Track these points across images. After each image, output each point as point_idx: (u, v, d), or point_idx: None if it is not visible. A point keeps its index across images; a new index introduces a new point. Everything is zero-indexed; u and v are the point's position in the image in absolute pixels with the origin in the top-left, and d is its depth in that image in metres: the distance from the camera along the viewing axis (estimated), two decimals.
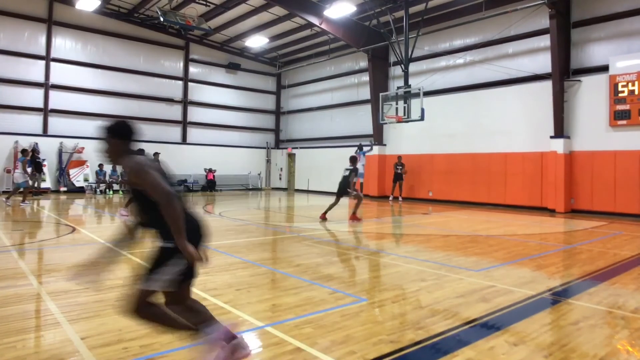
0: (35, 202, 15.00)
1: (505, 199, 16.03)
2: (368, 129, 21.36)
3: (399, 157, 18.88)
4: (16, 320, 3.75)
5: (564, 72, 14.54)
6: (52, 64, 19.65)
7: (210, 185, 23.47)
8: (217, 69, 25.01)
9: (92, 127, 20.67)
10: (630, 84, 13.15)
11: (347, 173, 11.60)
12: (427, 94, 16.92)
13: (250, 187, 25.89)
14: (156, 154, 19.10)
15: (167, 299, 2.79)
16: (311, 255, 6.84)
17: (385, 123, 16.25)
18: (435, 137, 18.40)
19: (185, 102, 23.72)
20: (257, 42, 22.62)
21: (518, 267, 6.23)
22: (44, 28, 19.49)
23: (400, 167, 18.51)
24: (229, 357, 2.71)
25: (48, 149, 19.01)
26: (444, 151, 17.95)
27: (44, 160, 18.15)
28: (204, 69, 24.57)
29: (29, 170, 18.18)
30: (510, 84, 16.24)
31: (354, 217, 11.28)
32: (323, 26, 18.40)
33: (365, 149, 19.49)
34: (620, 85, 13.34)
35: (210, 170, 23.63)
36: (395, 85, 19.26)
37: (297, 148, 25.90)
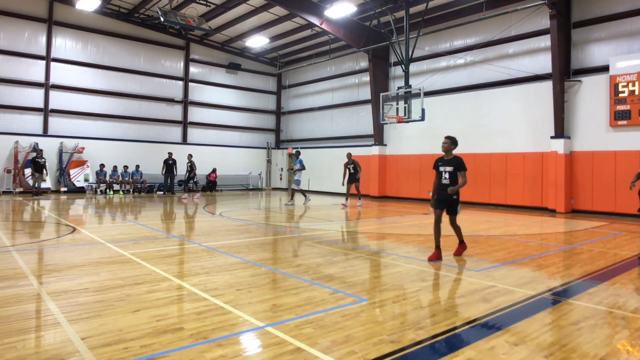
0: (35, 202, 15.01)
1: (505, 199, 16.03)
2: (368, 129, 21.38)
3: (349, 154, 16.24)
4: (16, 320, 3.75)
5: (565, 73, 14.55)
6: (53, 64, 19.67)
7: (210, 185, 23.49)
8: (218, 69, 25.03)
9: (93, 127, 20.76)
10: (630, 84, 13.16)
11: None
12: (428, 94, 16.95)
13: (251, 187, 25.90)
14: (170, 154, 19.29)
15: None
16: (311, 255, 6.84)
17: (386, 123, 16.25)
18: (435, 137, 18.31)
19: (186, 102, 23.74)
20: (257, 42, 22.63)
21: (518, 267, 6.23)
22: (44, 28, 19.51)
23: (352, 166, 15.85)
24: None
25: (48, 149, 19.02)
26: None
27: (44, 161, 18.13)
28: (204, 69, 24.58)
29: (29, 170, 18.25)
30: (510, 84, 16.25)
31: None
32: (323, 26, 18.41)
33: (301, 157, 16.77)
34: (620, 85, 13.35)
35: (213, 171, 23.64)
36: (395, 85, 19.28)
37: (297, 148, 25.88)
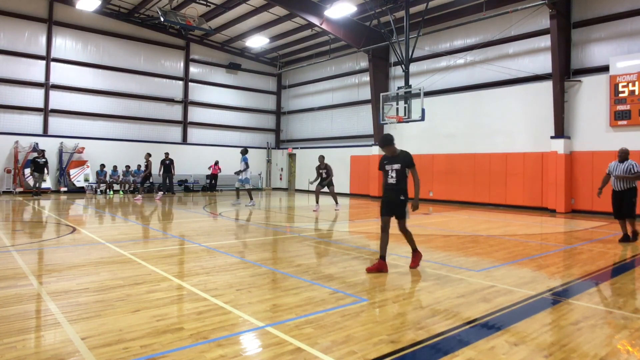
0: (36, 202, 15.01)
1: (505, 199, 16.04)
2: (368, 129, 21.38)
3: (321, 157, 14.77)
4: (17, 320, 3.75)
5: (565, 73, 14.55)
6: (53, 64, 19.68)
7: (211, 185, 23.42)
8: (218, 69, 25.03)
9: (93, 127, 20.75)
10: (630, 84, 13.16)
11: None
12: (428, 94, 16.96)
13: (251, 187, 25.86)
14: (166, 154, 18.61)
15: None
16: (312, 255, 6.84)
17: (386, 123, 16.26)
18: (435, 137, 18.40)
19: (186, 102, 23.74)
20: (257, 42, 22.65)
21: (518, 267, 6.23)
22: (44, 28, 19.51)
23: (325, 170, 14.47)
24: None
25: (48, 149, 19.02)
26: (445, 151, 17.96)
27: (45, 161, 18.12)
28: (204, 69, 24.58)
29: (29, 170, 18.26)
30: (510, 84, 16.25)
31: None
32: (323, 26, 18.42)
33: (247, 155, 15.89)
34: (620, 85, 13.35)
35: (215, 164, 23.17)
36: (395, 85, 19.28)
37: (297, 148, 25.90)
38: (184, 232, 9.37)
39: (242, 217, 11.93)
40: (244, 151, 15.71)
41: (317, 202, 14.60)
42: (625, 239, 8.50)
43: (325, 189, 14.59)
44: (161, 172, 19.83)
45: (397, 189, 5.76)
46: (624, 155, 8.26)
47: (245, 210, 13.82)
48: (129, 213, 13.01)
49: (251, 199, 15.76)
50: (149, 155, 17.82)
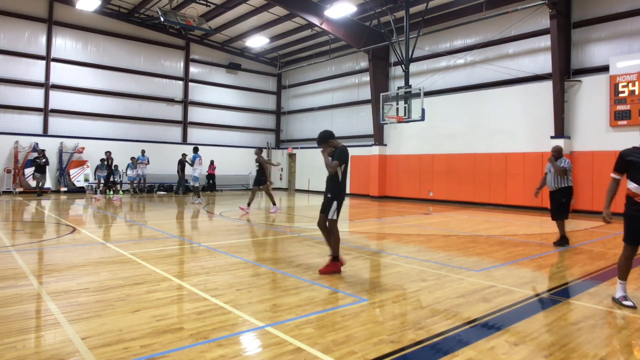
0: (35, 202, 15.00)
1: (505, 199, 16.04)
2: (368, 129, 21.38)
3: (260, 150, 13.58)
4: (17, 320, 3.75)
5: (565, 72, 14.55)
6: (53, 64, 19.67)
7: (210, 185, 23.40)
8: (218, 69, 25.03)
9: (93, 127, 20.74)
10: (630, 84, 13.16)
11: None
12: (428, 94, 16.95)
13: (251, 187, 25.85)
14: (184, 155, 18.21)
15: None
16: (312, 255, 6.83)
17: (386, 123, 16.25)
18: (435, 137, 18.41)
19: (186, 102, 23.74)
20: (257, 42, 22.64)
21: (518, 267, 6.23)
22: (44, 28, 19.51)
23: (258, 164, 13.28)
24: None
25: (48, 149, 19.00)
26: (445, 151, 17.96)
27: (45, 161, 18.13)
28: (204, 69, 24.58)
29: (29, 170, 18.26)
30: (510, 84, 16.25)
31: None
32: (323, 26, 18.41)
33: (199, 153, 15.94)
34: (620, 85, 13.35)
35: (211, 164, 23.16)
36: (395, 85, 19.27)
37: (297, 148, 25.90)
38: (184, 232, 9.37)
39: (242, 217, 11.92)
40: (195, 149, 16.08)
41: (249, 203, 13.10)
42: (562, 242, 8.03)
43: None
44: (179, 172, 20.05)
45: (326, 186, 5.73)
46: (557, 154, 8.05)
47: (241, 211, 13.80)
48: (129, 213, 13.01)
49: (199, 197, 16.22)
50: (109, 153, 17.92)
